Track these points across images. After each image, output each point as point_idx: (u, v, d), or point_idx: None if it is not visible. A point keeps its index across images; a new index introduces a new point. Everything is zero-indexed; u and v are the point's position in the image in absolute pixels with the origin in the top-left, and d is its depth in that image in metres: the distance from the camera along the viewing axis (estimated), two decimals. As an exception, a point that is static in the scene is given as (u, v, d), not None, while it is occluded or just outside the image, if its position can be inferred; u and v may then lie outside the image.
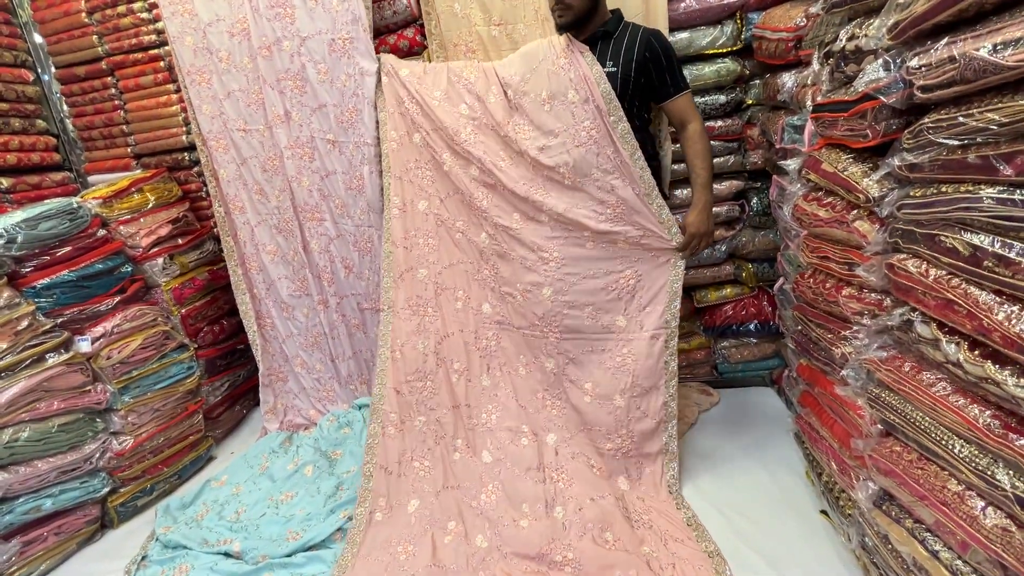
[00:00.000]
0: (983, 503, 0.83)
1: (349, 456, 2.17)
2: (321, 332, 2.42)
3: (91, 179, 2.66)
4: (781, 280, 1.82)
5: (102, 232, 2.13)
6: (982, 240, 0.80)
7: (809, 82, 1.43)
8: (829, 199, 1.23)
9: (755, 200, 2.11)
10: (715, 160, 2.10)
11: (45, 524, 1.80)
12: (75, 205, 2.03)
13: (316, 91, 2.12)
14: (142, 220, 2.31)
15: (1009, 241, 0.77)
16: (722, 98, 2.02)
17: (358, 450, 2.18)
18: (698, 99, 2.03)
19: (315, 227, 2.30)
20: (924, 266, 0.93)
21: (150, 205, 2.35)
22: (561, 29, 1.76)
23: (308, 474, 2.11)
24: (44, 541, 1.79)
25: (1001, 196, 0.77)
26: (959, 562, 0.89)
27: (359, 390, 2.47)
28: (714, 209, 2.13)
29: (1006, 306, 0.78)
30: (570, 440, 1.83)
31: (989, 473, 0.81)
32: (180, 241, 2.44)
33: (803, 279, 1.40)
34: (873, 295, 1.12)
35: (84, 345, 1.95)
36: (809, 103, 1.40)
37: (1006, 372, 0.78)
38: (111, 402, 2.01)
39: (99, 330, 2.02)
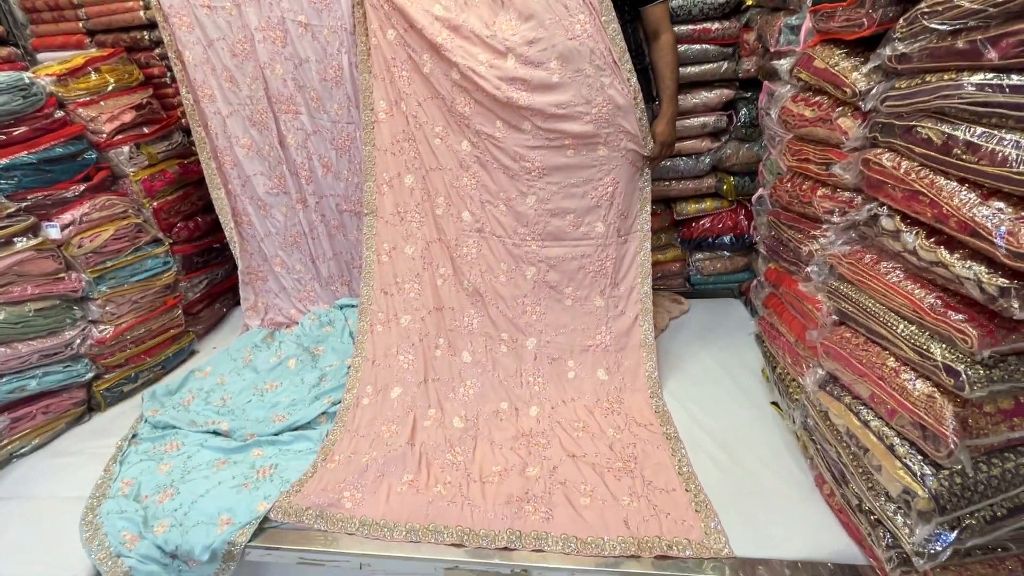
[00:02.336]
0: (914, 375, 0.93)
1: (331, 352, 2.24)
2: (301, 232, 2.39)
3: (40, 56, 2.45)
4: (760, 191, 1.86)
5: (60, 114, 2.00)
6: (956, 129, 0.83)
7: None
8: (816, 98, 1.23)
9: (744, 111, 2.09)
10: (707, 66, 2.05)
11: (32, 403, 1.84)
12: (27, 80, 1.89)
13: (287, -36, 1.94)
14: (102, 104, 2.17)
15: (982, 129, 0.80)
16: (721, -3, 1.93)
17: (340, 346, 2.24)
18: (696, -3, 1.94)
19: (291, 120, 2.21)
20: (897, 159, 0.96)
21: (110, 88, 2.19)
22: None
23: (291, 366, 2.18)
24: (33, 419, 1.84)
25: (982, 81, 0.78)
26: (886, 428, 1.00)
27: (340, 291, 2.49)
28: (703, 119, 2.12)
29: (964, 193, 0.82)
30: (549, 343, 1.91)
31: (925, 348, 0.89)
32: (146, 130, 2.31)
33: (781, 184, 1.43)
34: (845, 194, 1.16)
35: (52, 231, 1.90)
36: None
37: (955, 256, 0.84)
38: (87, 291, 1.99)
39: (67, 217, 1.96)
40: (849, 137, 1.07)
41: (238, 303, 2.55)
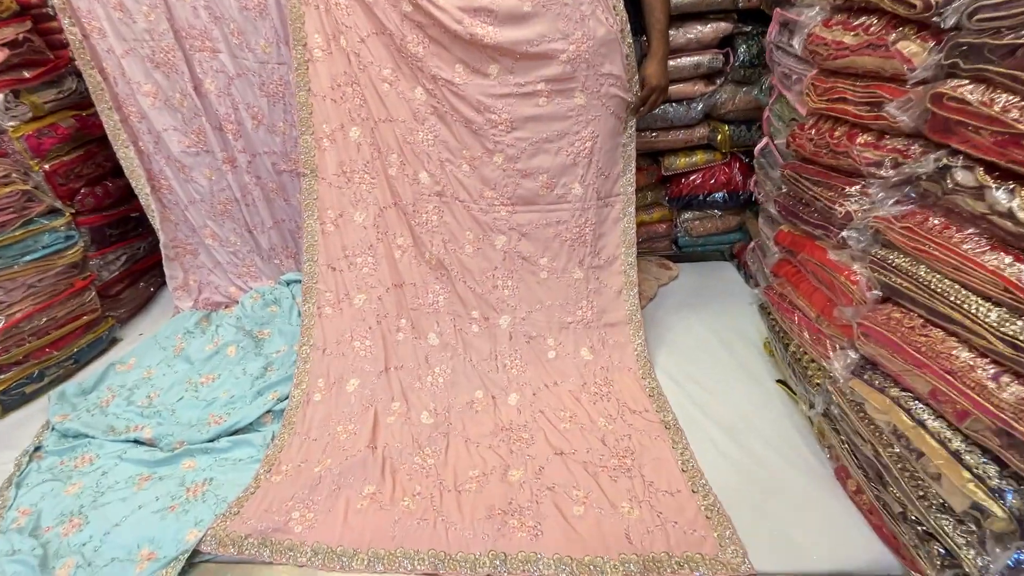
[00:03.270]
0: (999, 370, 0.74)
1: (278, 335, 1.95)
2: (231, 197, 2.04)
3: None
4: (764, 141, 1.63)
5: (-103, 50, 1.57)
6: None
7: None
8: (861, 20, 0.99)
9: (742, 48, 1.83)
10: (703, -7, 1.77)
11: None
12: None
13: None
14: (-39, 39, 1.72)
15: None
16: (721, -93, 1.63)
17: (288, 328, 1.96)
18: (692, -93, 1.63)
19: (207, 60, 1.82)
20: (988, 93, 0.74)
21: (-30, 18, 1.74)
22: None
23: (231, 355, 1.88)
24: (-97, 436, 1.51)
25: None
26: (948, 431, 0.83)
27: (285, 264, 2.18)
28: (696, 58, 1.85)
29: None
30: (525, 320, 1.68)
31: (1020, 336, 0.70)
32: (27, 74, 1.87)
33: (802, 131, 1.20)
34: (896, 141, 0.93)
35: (-97, 204, 1.51)
36: None
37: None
38: (-38, 276, 1.62)
39: (-78, 185, 1.56)
40: (915, 66, 0.84)
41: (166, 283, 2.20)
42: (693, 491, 1.20)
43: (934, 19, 0.80)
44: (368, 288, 1.68)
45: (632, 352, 1.65)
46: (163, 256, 2.06)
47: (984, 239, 0.77)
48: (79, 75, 1.96)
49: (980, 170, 0.76)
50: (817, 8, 1.14)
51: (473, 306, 1.69)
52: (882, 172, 0.94)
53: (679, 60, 1.84)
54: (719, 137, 1.95)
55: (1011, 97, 0.71)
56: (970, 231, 0.79)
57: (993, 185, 0.73)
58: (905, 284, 0.89)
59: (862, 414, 1.01)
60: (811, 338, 1.20)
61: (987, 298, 0.75)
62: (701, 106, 1.92)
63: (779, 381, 1.49)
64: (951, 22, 0.77)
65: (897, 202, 0.91)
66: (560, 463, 1.31)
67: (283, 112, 1.91)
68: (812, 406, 1.21)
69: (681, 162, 2.03)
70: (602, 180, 1.67)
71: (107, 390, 1.78)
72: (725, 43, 1.88)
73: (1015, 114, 0.69)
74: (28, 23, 1.91)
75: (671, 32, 1.74)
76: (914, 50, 0.84)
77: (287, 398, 1.60)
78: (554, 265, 1.71)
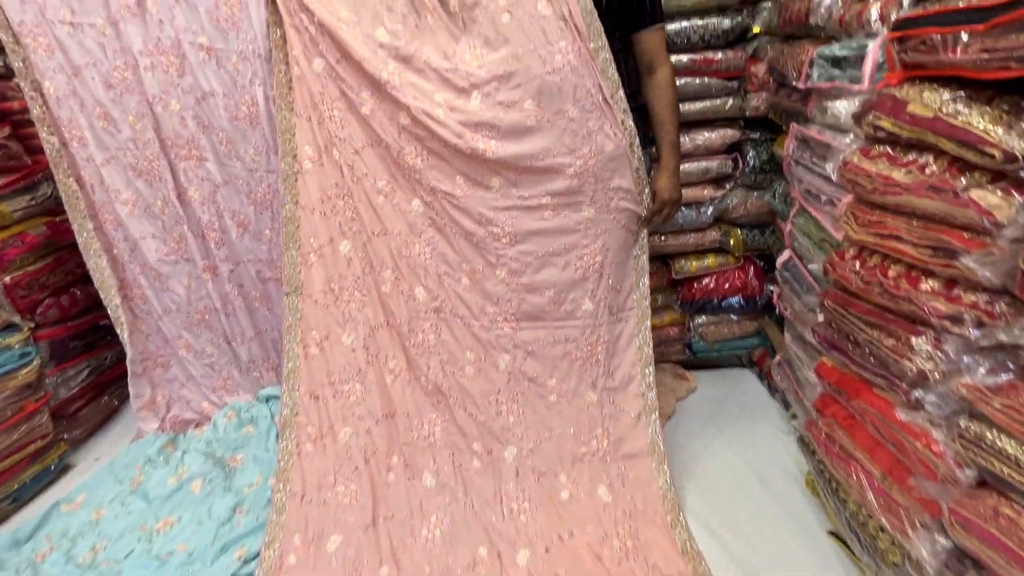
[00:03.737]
0: None
1: (252, 463, 1.73)
2: (210, 307, 1.88)
3: None
4: (787, 254, 1.52)
5: None
6: None
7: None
8: (911, 156, 0.89)
9: (751, 154, 1.77)
10: (711, 103, 1.73)
11: None
12: None
13: (178, -30, 1.50)
14: (-72, 150, 1.63)
15: None
16: (726, 22, 1.62)
17: (264, 455, 1.74)
18: (696, 23, 1.62)
19: (193, 169, 1.73)
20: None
21: (-60, 128, 1.65)
22: None
23: (196, 491, 1.65)
24: None
25: None
26: None
27: (265, 377, 1.99)
28: (704, 164, 1.78)
29: None
30: (533, 452, 1.48)
31: None
32: (-2, 181, 1.77)
33: (843, 260, 1.08)
34: (974, 295, 0.81)
35: None
36: (876, 21, 1.03)
37: None
38: None
39: None
40: (998, 221, 0.72)
41: (132, 396, 1.99)
42: None
43: (1021, 172, 0.69)
44: (355, 420, 1.49)
45: (657, 492, 1.45)
46: (129, 373, 1.87)
47: None
48: (54, 180, 1.86)
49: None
50: (850, 136, 1.05)
51: (474, 437, 1.50)
52: (963, 331, 0.80)
53: (688, 165, 1.77)
54: (732, 241, 1.85)
55: None
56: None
57: None
58: (1012, 473, 0.73)
59: (966, 623, 0.81)
60: (878, 502, 1.01)
61: None
62: (711, 210, 1.84)
63: (832, 534, 1.29)
64: (1046, 180, 0.66)
65: (991, 371, 0.77)
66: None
67: (270, 220, 1.80)
68: (883, 583, 1.00)
69: (692, 266, 1.92)
70: (614, 294, 1.54)
71: (46, 539, 1.53)
72: (733, 148, 1.83)
73: None
74: (6, 129, 1.83)
75: (682, 137, 1.68)
76: (995, 202, 0.73)
77: (256, 556, 1.36)
78: (564, 387, 1.54)
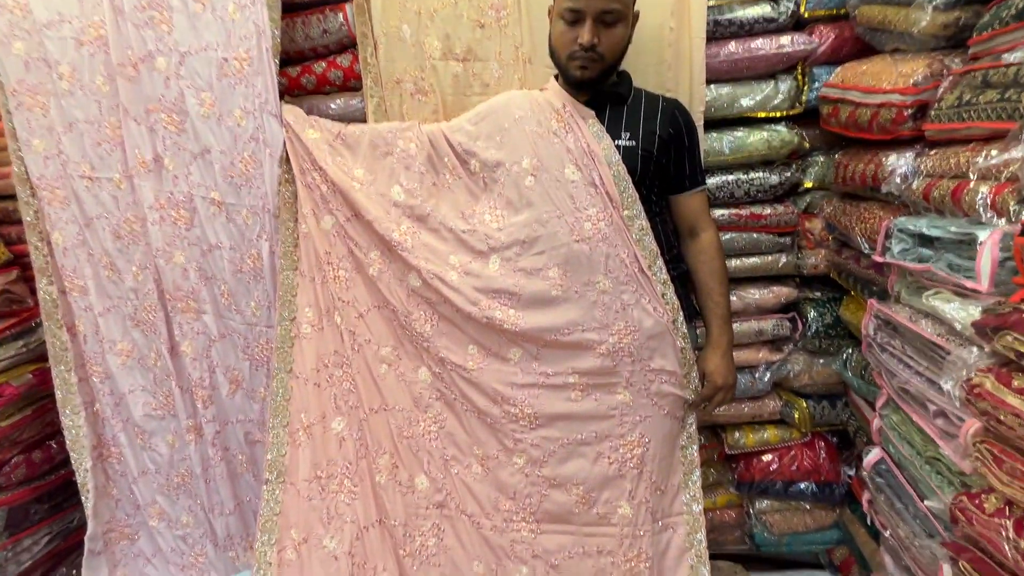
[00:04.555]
0: None
1: None
2: (190, 471, 1.66)
3: None
4: (877, 454, 1.21)
5: None
6: None
7: (977, 174, 0.86)
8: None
9: (812, 315, 1.53)
10: (760, 259, 1.53)
11: None
12: None
13: (197, 129, 1.47)
14: (-77, 298, 1.55)
15: None
16: (773, 178, 1.47)
17: (222, 675, 1.39)
18: (741, 177, 1.48)
19: (189, 322, 1.60)
20: None
21: (-58, 275, 1.59)
22: (579, 85, 1.21)
23: None
24: None
25: None
26: None
27: (241, 559, 1.70)
28: (756, 324, 1.55)
29: None
30: None
31: None
32: (-9, 328, 1.67)
33: (984, 513, 0.78)
34: None
35: None
36: (986, 209, 0.83)
37: None
38: None
39: None
40: None
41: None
42: None
43: None
44: (328, 658, 1.17)
45: None
46: (87, 551, 1.62)
47: None
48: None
49: None
50: (975, 351, 0.81)
51: None
52: None
53: (737, 325, 1.54)
54: (796, 415, 1.56)
55: None
56: None
57: None
58: None
59: None
60: None
61: None
62: (769, 375, 1.57)
63: None
64: None
65: None
66: None
67: (266, 377, 1.61)
68: None
69: (749, 440, 1.62)
70: (657, 497, 1.25)
71: None
72: (790, 307, 1.60)
73: None
74: (14, 273, 1.78)
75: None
76: None
77: None
78: (596, 616, 1.20)
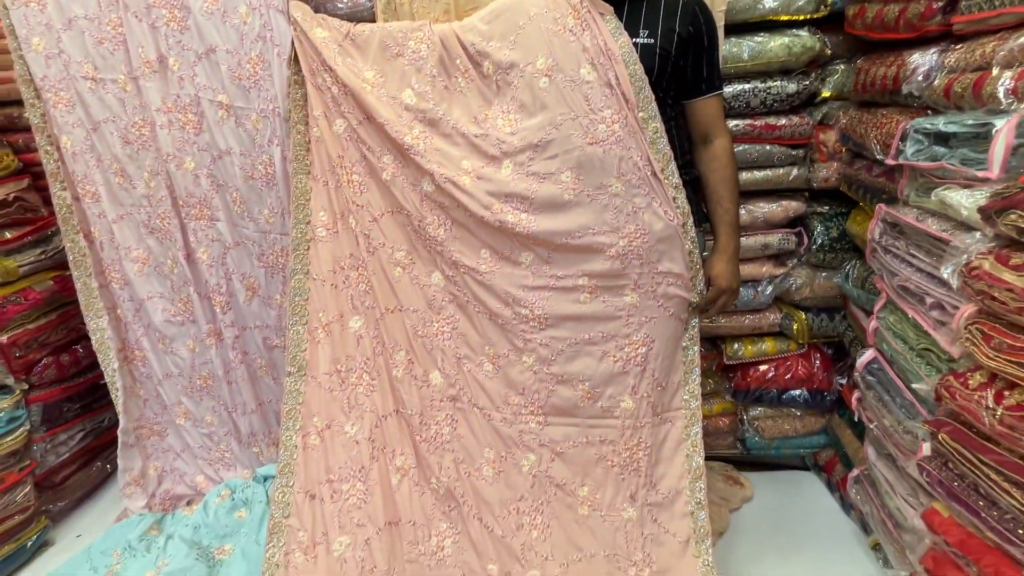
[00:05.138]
0: None
1: (240, 558, 1.53)
2: (213, 373, 1.74)
3: None
4: (871, 355, 1.27)
5: None
6: None
7: (1000, 64, 0.85)
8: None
9: (819, 229, 1.56)
10: (773, 172, 1.54)
11: None
12: None
13: (201, 27, 1.43)
14: (-60, 201, 1.57)
15: None
16: (791, 86, 1.44)
17: (254, 549, 1.54)
18: (759, 85, 1.45)
19: (204, 229, 1.62)
20: None
21: (-45, 180, 1.60)
22: None
23: (174, 590, 1.46)
24: None
25: None
26: None
27: (264, 454, 1.81)
28: (763, 239, 1.58)
29: None
30: (561, 578, 1.25)
31: None
32: (8, 235, 1.71)
33: (968, 388, 0.84)
34: None
35: None
36: (1007, 95, 0.83)
37: None
38: None
39: None
40: None
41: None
42: None
43: None
44: (354, 527, 1.28)
45: (711, 644, 1.18)
46: (120, 443, 1.72)
47: None
48: (66, 233, 1.78)
49: None
50: (977, 235, 0.84)
51: (490, 557, 1.27)
52: None
53: (745, 239, 1.57)
54: (795, 327, 1.62)
55: None
56: None
57: None
58: None
59: None
60: None
61: None
62: (771, 289, 1.62)
63: None
64: None
65: None
66: None
67: (281, 284, 1.66)
68: None
69: (748, 351, 1.69)
70: (658, 392, 1.32)
71: (2, 642, 1.34)
72: (797, 222, 1.62)
73: None
74: (25, 181, 1.79)
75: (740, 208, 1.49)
76: None
77: None
78: (598, 498, 1.31)
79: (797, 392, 1.66)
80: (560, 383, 1.32)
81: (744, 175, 1.52)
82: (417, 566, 1.26)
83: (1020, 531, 0.76)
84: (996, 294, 0.77)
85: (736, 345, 1.69)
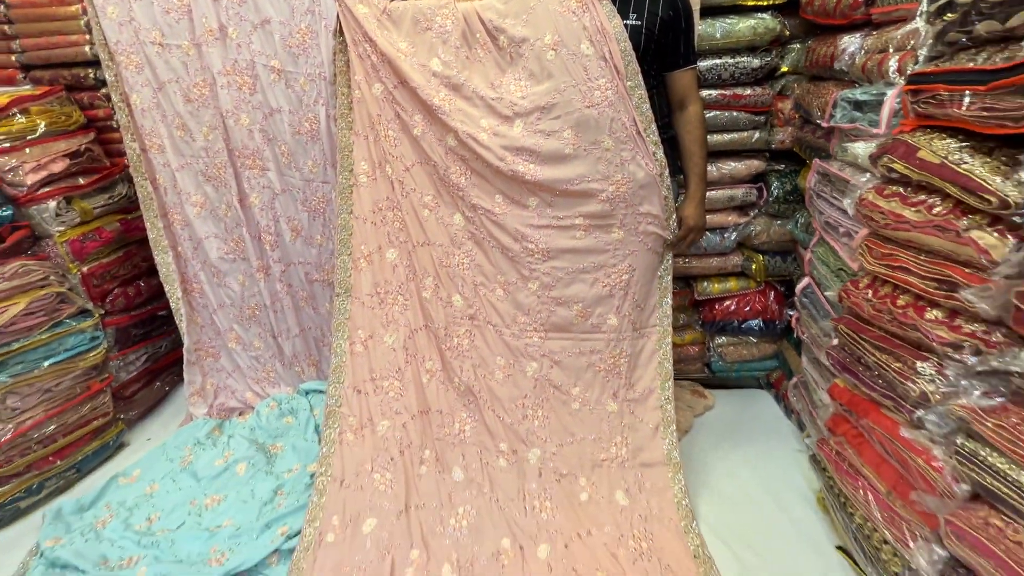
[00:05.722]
0: None
1: (291, 451, 1.85)
2: (260, 304, 2.04)
3: (-40, 92, 2.09)
4: (806, 281, 1.60)
5: (-33, 163, 1.65)
6: None
7: (894, 47, 1.15)
8: (921, 197, 0.98)
9: (776, 184, 1.86)
10: (739, 135, 1.83)
11: None
12: (-78, 124, 1.53)
13: (257, 1, 1.67)
14: (28, 151, 1.82)
15: None
16: (755, 62, 1.72)
17: (302, 444, 1.86)
18: (728, 61, 1.73)
19: (255, 177, 1.89)
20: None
21: (39, 132, 1.85)
22: None
23: (240, 472, 1.78)
24: None
25: None
26: None
27: (306, 373, 2.13)
28: (730, 191, 1.88)
29: None
30: (556, 455, 1.58)
31: None
32: (82, 181, 1.97)
33: (858, 288, 1.16)
34: (974, 325, 0.89)
35: (-61, 311, 1.51)
36: (894, 72, 1.13)
37: None
38: (-20, 383, 1.59)
39: (-38, 291, 1.57)
40: (994, 259, 0.81)
41: (183, 381, 2.14)
42: None
43: (1014, 218, 0.78)
44: (393, 414, 1.61)
45: (672, 499, 1.53)
46: (185, 360, 2.03)
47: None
48: (130, 181, 2.05)
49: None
50: (867, 175, 1.15)
51: (501, 438, 1.60)
52: (962, 357, 0.88)
53: (714, 193, 1.87)
54: (754, 267, 1.94)
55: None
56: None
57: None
58: (1001, 488, 0.80)
59: (958, 628, 0.87)
60: (883, 516, 1.08)
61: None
62: (735, 235, 1.93)
63: (840, 548, 1.35)
64: (1034, 226, 0.75)
65: (985, 394, 0.85)
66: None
67: (322, 226, 1.95)
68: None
69: (715, 288, 2.01)
70: (638, 312, 1.64)
71: (105, 508, 1.67)
72: (758, 178, 1.92)
73: None
74: (92, 135, 2.03)
75: (709, 166, 1.79)
76: (991, 242, 0.82)
77: (297, 534, 1.48)
78: (587, 396, 1.64)
79: (754, 322, 1.99)
80: (558, 305, 1.62)
81: (715, 137, 1.81)
82: (444, 443, 1.60)
83: (880, 381, 1.09)
84: (875, 217, 1.08)
85: (705, 283, 2.02)
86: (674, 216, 1.58)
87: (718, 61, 1.73)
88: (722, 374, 2.12)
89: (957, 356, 0.90)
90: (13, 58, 2.06)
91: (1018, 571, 0.77)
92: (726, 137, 1.83)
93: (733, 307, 2.00)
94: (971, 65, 0.86)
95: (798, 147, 1.77)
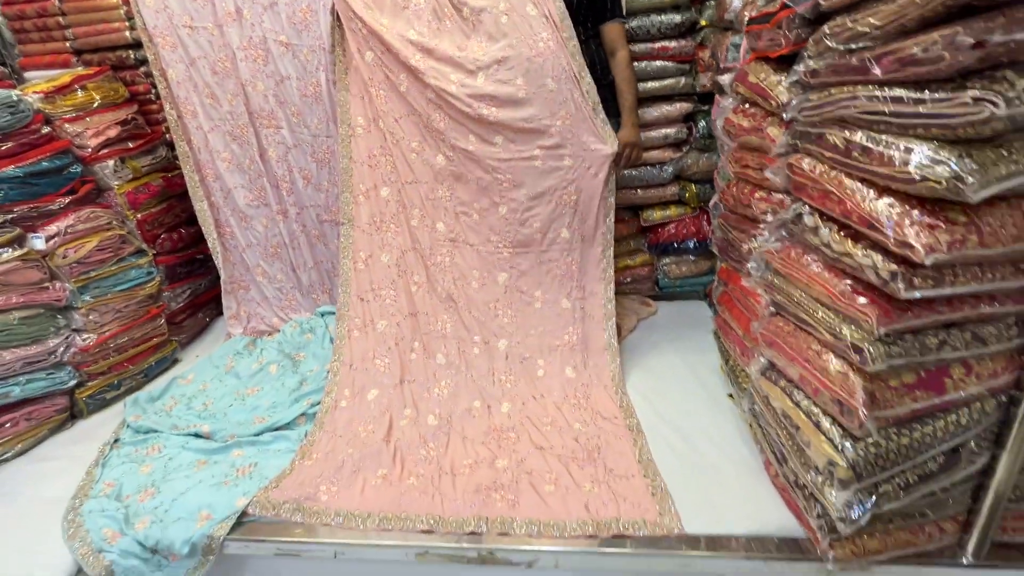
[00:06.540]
0: (831, 356, 1.03)
1: (312, 358, 2.30)
2: (281, 242, 2.46)
3: (27, 75, 2.52)
4: (716, 196, 1.97)
5: (46, 129, 2.08)
6: (854, 135, 0.95)
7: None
8: (751, 110, 1.35)
9: (702, 123, 2.22)
10: (667, 81, 2.19)
11: (15, 410, 1.88)
12: (15, 98, 1.96)
13: (267, -14, 2.05)
14: (88, 120, 2.25)
15: (872, 134, 0.91)
16: (677, 17, 2.07)
17: (320, 352, 2.31)
18: (655, 18, 2.08)
19: (272, 135, 2.30)
20: (813, 163, 1.07)
21: (96, 104, 2.27)
22: None
23: (273, 372, 2.24)
24: (16, 425, 1.88)
25: (870, 94, 0.90)
26: (813, 406, 1.10)
27: (321, 299, 2.56)
28: (664, 131, 2.25)
29: (864, 190, 0.93)
30: (520, 343, 2.00)
31: (838, 330, 0.99)
32: (131, 144, 2.39)
33: (728, 189, 1.55)
34: (777, 196, 1.27)
35: (38, 242, 1.96)
36: (745, 21, 1.49)
37: (858, 247, 0.95)
38: (71, 300, 2.05)
39: (52, 229, 2.02)
40: (776, 144, 1.19)
41: (221, 314, 2.60)
42: (644, 476, 1.46)
43: (783, 113, 1.16)
44: (389, 316, 2.03)
45: (608, 373, 1.94)
46: (222, 290, 2.48)
47: (820, 263, 1.08)
48: (168, 145, 2.47)
49: (816, 215, 1.09)
50: (731, 99, 1.52)
51: (476, 332, 2.02)
52: (769, 218, 1.27)
53: (651, 132, 2.24)
54: (687, 195, 2.31)
55: (823, 166, 1.04)
56: (813, 257, 1.10)
57: (821, 226, 1.06)
58: (783, 299, 1.20)
59: (769, 405, 1.28)
60: (740, 351, 1.48)
61: (822, 303, 1.05)
62: (671, 168, 2.30)
63: (729, 395, 1.76)
64: (790, 116, 1.12)
65: (777, 240, 1.23)
66: (539, 455, 1.59)
67: (328, 174, 2.36)
68: (744, 409, 1.47)
69: (657, 215, 2.39)
70: (586, 227, 2.03)
71: (171, 399, 2.14)
72: (689, 118, 2.28)
73: (825, 177, 1.02)
74: (135, 107, 2.45)
75: (643, 109, 2.16)
76: (776, 132, 1.19)
77: (319, 404, 1.93)
78: (546, 297, 2.05)
79: (691, 242, 2.37)
80: (522, 225, 2.02)
81: (649, 84, 2.17)
82: (430, 337, 2.03)
83: (736, 252, 1.48)
84: (731, 130, 1.46)
85: (650, 211, 2.40)
86: (613, 138, 1.93)
87: (647, 19, 2.09)
88: (668, 289, 2.52)
89: (768, 219, 1.28)
90: (67, 44, 2.48)
91: (788, 351, 1.16)
92: (658, 84, 2.18)
93: (673, 230, 2.39)
94: (767, 9, 1.22)
95: (715, 89, 2.12)
